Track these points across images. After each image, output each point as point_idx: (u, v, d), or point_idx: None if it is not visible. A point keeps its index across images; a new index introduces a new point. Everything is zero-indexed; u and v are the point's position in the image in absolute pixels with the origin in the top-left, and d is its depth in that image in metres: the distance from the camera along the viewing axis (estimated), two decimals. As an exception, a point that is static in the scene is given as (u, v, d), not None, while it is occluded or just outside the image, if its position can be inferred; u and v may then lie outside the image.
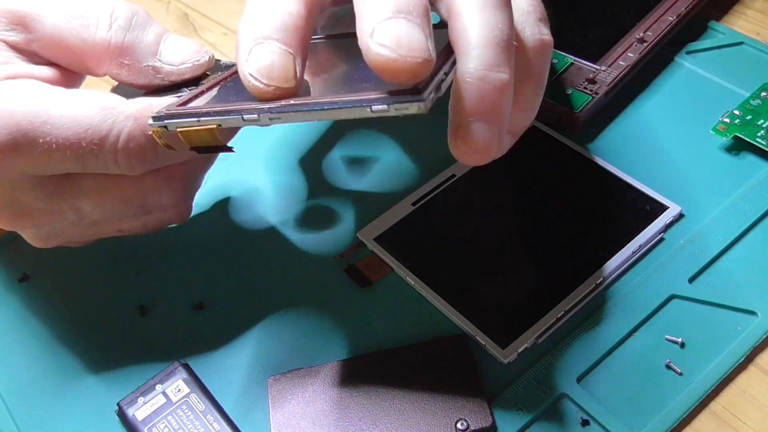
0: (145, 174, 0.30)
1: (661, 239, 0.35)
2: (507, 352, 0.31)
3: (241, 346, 0.33)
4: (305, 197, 0.39)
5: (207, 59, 0.31)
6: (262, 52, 0.24)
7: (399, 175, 0.40)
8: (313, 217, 0.38)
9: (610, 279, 0.34)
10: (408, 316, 0.34)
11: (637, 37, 0.42)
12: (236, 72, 0.29)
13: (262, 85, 0.24)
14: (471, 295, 0.33)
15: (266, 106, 0.24)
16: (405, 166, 0.40)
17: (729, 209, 0.36)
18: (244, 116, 0.24)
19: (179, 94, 0.29)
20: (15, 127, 0.27)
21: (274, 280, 0.36)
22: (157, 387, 0.31)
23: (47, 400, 0.33)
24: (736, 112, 0.39)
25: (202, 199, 0.39)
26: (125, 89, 0.31)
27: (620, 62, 0.41)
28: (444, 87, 0.24)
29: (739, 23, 0.46)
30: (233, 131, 0.32)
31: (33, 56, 0.30)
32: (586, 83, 0.40)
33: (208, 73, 0.31)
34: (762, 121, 0.38)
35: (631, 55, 0.41)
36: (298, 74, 0.24)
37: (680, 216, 0.36)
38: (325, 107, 0.23)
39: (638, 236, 0.34)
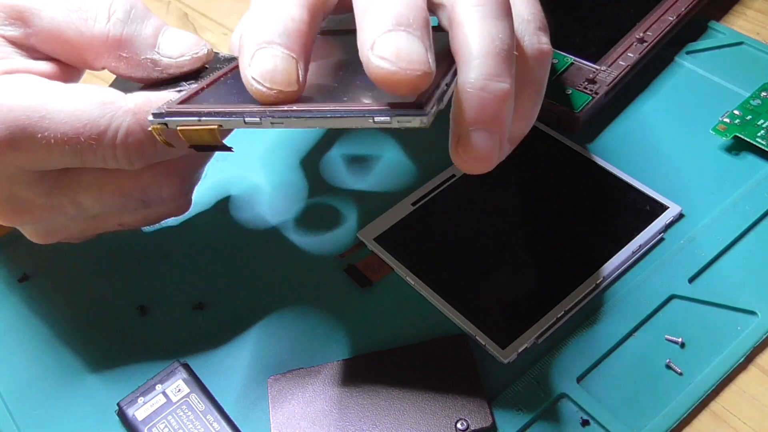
0: (145, 168, 0.30)
1: (661, 239, 0.35)
2: (507, 352, 0.31)
3: (241, 346, 0.33)
4: (305, 197, 0.39)
5: (206, 52, 0.31)
6: (265, 56, 0.24)
7: (399, 175, 0.40)
8: (313, 217, 0.38)
9: (610, 279, 0.34)
10: (408, 316, 0.34)
11: (637, 37, 0.42)
12: (236, 68, 0.29)
13: (264, 89, 0.24)
14: (471, 295, 0.33)
15: (269, 110, 0.24)
16: (405, 166, 0.40)
17: (729, 209, 0.36)
18: (246, 119, 0.24)
19: (178, 88, 0.29)
20: (13, 122, 0.27)
21: (274, 280, 0.36)
22: (157, 387, 0.31)
23: (47, 400, 0.33)
24: (736, 112, 0.39)
25: (203, 198, 0.39)
26: (124, 83, 0.30)
27: (620, 62, 0.41)
28: (446, 98, 0.24)
29: (739, 23, 0.46)
30: (232, 130, 0.32)
31: (31, 51, 0.30)
32: (586, 83, 0.40)
33: (206, 66, 0.31)
34: (762, 121, 0.38)
35: (631, 55, 0.41)
36: (300, 79, 0.24)
37: (680, 216, 0.36)
38: (328, 115, 0.23)
39: (638, 236, 0.34)
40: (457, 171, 0.38)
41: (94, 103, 0.27)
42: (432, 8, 0.27)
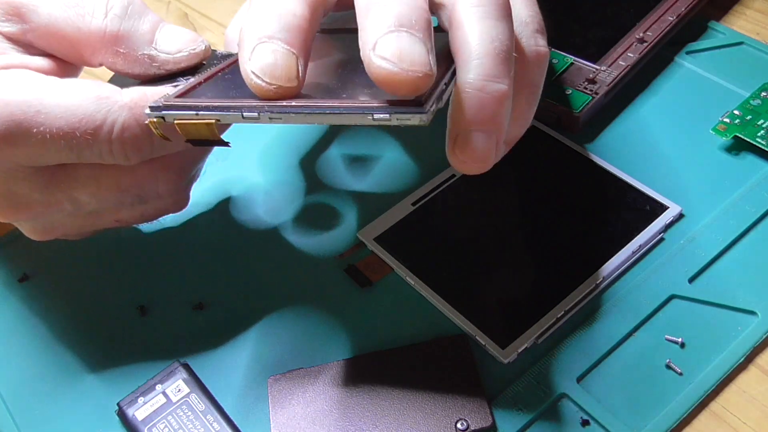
0: (142, 163, 0.30)
1: (661, 239, 0.35)
2: (507, 352, 0.31)
3: (241, 346, 0.33)
4: (305, 197, 0.39)
5: (203, 48, 0.31)
6: (265, 51, 0.24)
7: (399, 175, 0.40)
8: (313, 217, 0.38)
9: (610, 279, 0.34)
10: (408, 316, 0.34)
11: (637, 37, 0.42)
12: (233, 63, 0.29)
13: (264, 84, 0.24)
14: (471, 295, 0.33)
15: (267, 105, 0.24)
16: (405, 166, 0.40)
17: (729, 209, 0.36)
18: (244, 114, 0.24)
19: (175, 84, 0.29)
20: (9, 117, 0.27)
21: (274, 280, 0.36)
22: (157, 387, 0.31)
23: (47, 400, 0.33)
24: (736, 112, 0.39)
25: (203, 198, 0.39)
26: (121, 80, 0.30)
27: (620, 62, 0.41)
28: (445, 97, 0.24)
29: (739, 23, 0.46)
30: (229, 125, 0.32)
31: (28, 47, 0.30)
32: (586, 83, 0.40)
33: (203, 62, 0.31)
34: (762, 121, 0.38)
35: (631, 55, 0.41)
36: (300, 74, 0.24)
37: (680, 216, 0.36)
38: (327, 111, 0.23)
39: (638, 236, 0.34)
40: (457, 171, 0.38)
41: (90, 97, 0.27)
42: (432, 8, 0.27)
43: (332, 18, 0.30)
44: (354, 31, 0.25)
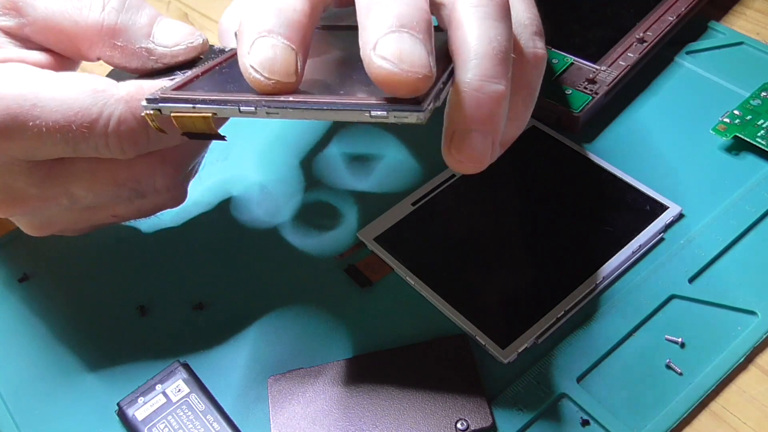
0: (138, 157, 0.30)
1: (661, 239, 0.35)
2: (507, 352, 0.31)
3: (241, 346, 0.33)
4: (305, 197, 0.39)
5: (200, 42, 0.31)
6: (264, 46, 0.24)
7: (399, 175, 0.40)
8: (313, 217, 0.38)
9: (610, 279, 0.34)
10: (408, 316, 0.34)
11: (637, 37, 0.42)
12: (231, 58, 0.29)
13: (262, 78, 0.24)
14: (471, 295, 0.33)
15: (264, 99, 0.24)
16: (405, 166, 0.40)
17: (729, 209, 0.36)
18: (241, 108, 0.24)
19: (172, 77, 0.29)
20: (5, 110, 0.27)
21: (274, 280, 0.36)
22: (157, 387, 0.31)
23: (47, 400, 0.33)
24: (736, 112, 0.39)
25: (203, 198, 0.39)
26: (119, 75, 0.30)
27: (620, 62, 0.41)
28: (442, 97, 0.24)
29: (739, 23, 0.46)
30: (226, 119, 0.32)
31: (26, 41, 0.30)
32: (586, 83, 0.40)
33: (201, 56, 0.31)
34: (762, 121, 0.38)
35: (631, 55, 0.41)
36: (298, 70, 0.24)
37: (680, 216, 0.36)
38: (324, 107, 0.23)
39: (638, 236, 0.34)
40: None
41: (86, 91, 0.27)
42: (431, 7, 0.27)
43: (330, 14, 0.30)
44: (353, 29, 0.25)
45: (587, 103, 0.39)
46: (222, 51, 0.31)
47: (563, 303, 0.32)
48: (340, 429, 0.30)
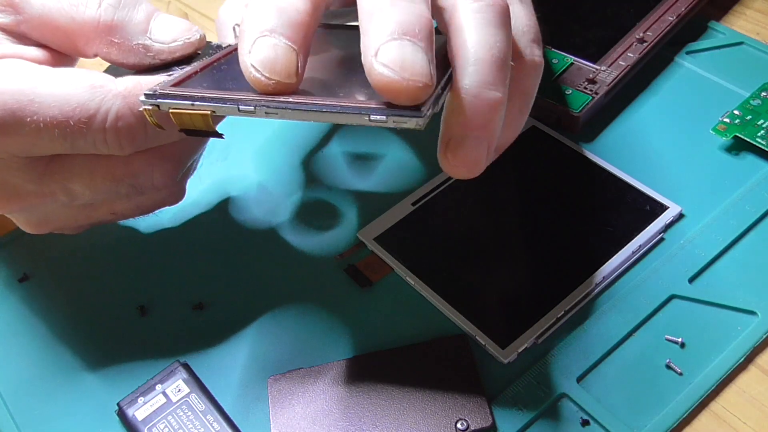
0: (136, 153, 0.30)
1: (661, 239, 0.35)
2: (507, 352, 0.31)
3: (241, 346, 0.33)
4: (305, 197, 0.39)
5: (198, 38, 0.30)
6: (266, 45, 0.24)
7: (399, 175, 0.40)
8: (313, 217, 0.38)
9: (610, 279, 0.34)
10: (408, 316, 0.34)
11: (637, 37, 0.42)
12: (229, 54, 0.29)
13: (263, 78, 0.24)
14: (471, 295, 0.33)
15: (264, 99, 0.24)
16: (405, 166, 0.40)
17: (729, 209, 0.36)
18: (240, 107, 0.24)
19: (170, 73, 0.29)
20: (2, 106, 0.27)
21: (274, 280, 0.36)
22: (157, 387, 0.31)
23: (47, 400, 0.33)
24: (736, 112, 0.39)
25: (203, 198, 0.39)
26: (116, 72, 0.30)
27: (620, 62, 0.41)
28: (441, 102, 0.24)
29: (739, 23, 0.46)
30: (224, 117, 0.32)
31: (22, 38, 0.30)
32: (586, 83, 0.40)
33: (199, 52, 0.31)
34: (762, 121, 0.38)
35: (631, 55, 0.41)
36: (299, 71, 0.24)
37: (680, 216, 0.36)
38: (323, 110, 0.23)
39: (638, 236, 0.34)
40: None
41: (83, 86, 0.27)
42: (432, 11, 0.27)
43: (328, 12, 0.30)
44: (354, 29, 0.25)
45: (587, 103, 0.39)
46: (219, 47, 0.31)
47: (563, 303, 0.32)
48: (340, 429, 0.30)
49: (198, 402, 0.31)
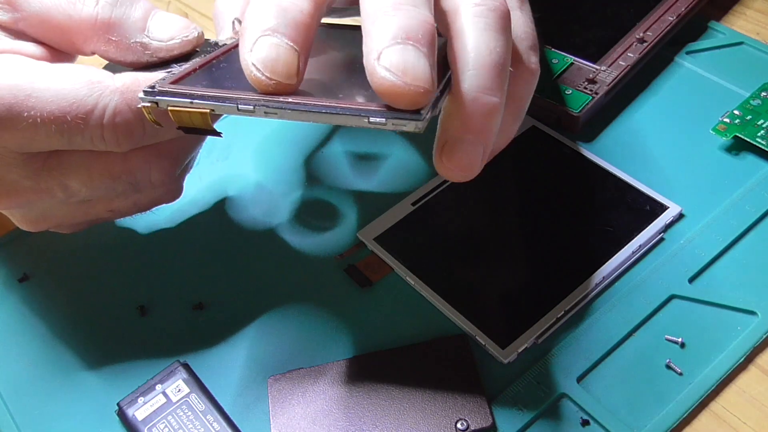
0: (134, 150, 0.30)
1: (661, 239, 0.35)
2: (507, 352, 0.31)
3: (241, 346, 0.33)
4: (305, 197, 0.39)
5: (196, 35, 0.30)
6: (267, 45, 0.24)
7: (399, 175, 0.40)
8: (313, 217, 0.38)
9: (610, 279, 0.34)
10: (408, 316, 0.34)
11: (637, 37, 0.42)
12: (228, 52, 0.29)
13: (264, 78, 0.24)
14: (471, 295, 0.33)
15: (263, 99, 0.24)
16: (405, 166, 0.40)
17: (729, 209, 0.36)
18: (240, 106, 0.24)
19: (168, 70, 0.29)
20: None
21: (274, 280, 0.36)
22: (157, 387, 0.31)
23: (47, 400, 0.33)
24: (736, 112, 0.39)
25: (202, 198, 0.39)
26: (115, 69, 0.30)
27: (620, 62, 0.41)
28: (440, 105, 0.24)
29: (739, 23, 0.46)
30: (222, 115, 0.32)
31: (20, 35, 0.30)
32: (586, 83, 0.40)
33: (197, 50, 0.31)
34: (762, 121, 0.38)
35: (631, 55, 0.41)
36: (300, 71, 0.24)
37: (680, 216, 0.36)
38: (323, 111, 0.23)
39: (638, 236, 0.34)
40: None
41: (81, 82, 0.27)
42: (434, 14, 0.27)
43: (332, 12, 0.30)
44: (355, 29, 0.24)
45: (587, 103, 0.39)
46: (218, 45, 0.31)
47: (563, 303, 0.32)
48: (340, 429, 0.30)
49: (198, 402, 0.31)
